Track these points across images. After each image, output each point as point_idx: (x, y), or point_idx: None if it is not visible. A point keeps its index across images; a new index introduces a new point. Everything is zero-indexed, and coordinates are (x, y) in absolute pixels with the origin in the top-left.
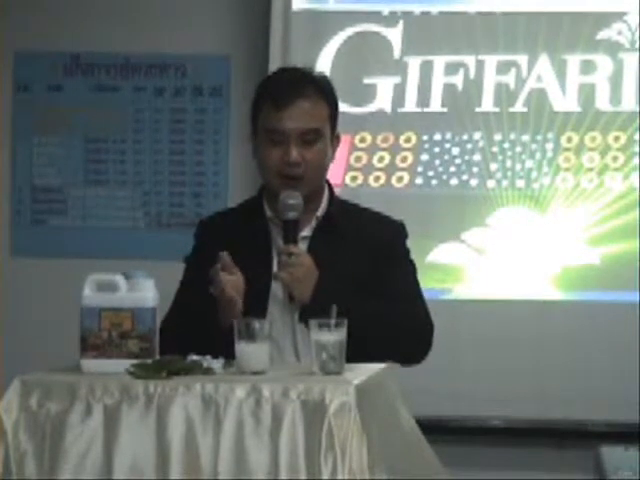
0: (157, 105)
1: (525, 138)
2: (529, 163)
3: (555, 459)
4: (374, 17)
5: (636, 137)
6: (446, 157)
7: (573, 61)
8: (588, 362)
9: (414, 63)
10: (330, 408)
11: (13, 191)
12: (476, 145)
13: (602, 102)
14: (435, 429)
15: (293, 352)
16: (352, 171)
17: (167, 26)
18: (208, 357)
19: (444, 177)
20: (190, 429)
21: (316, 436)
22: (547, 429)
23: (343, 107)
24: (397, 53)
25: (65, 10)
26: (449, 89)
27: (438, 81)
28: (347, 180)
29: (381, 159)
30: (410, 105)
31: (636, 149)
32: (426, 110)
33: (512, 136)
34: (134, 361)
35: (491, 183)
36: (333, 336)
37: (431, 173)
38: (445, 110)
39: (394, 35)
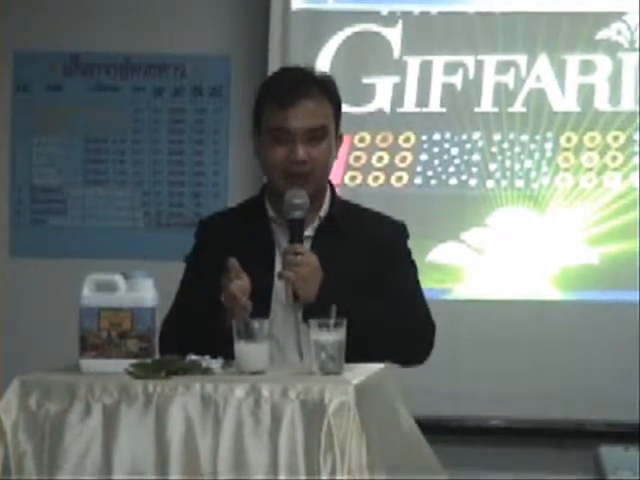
0: (156, 105)
1: (524, 138)
2: (528, 163)
3: (555, 459)
4: (373, 17)
5: (635, 137)
6: (445, 157)
7: (572, 61)
8: (587, 362)
9: (413, 63)
10: (329, 408)
11: (12, 191)
12: (475, 145)
13: (601, 102)
14: (435, 429)
15: (296, 351)
16: (351, 171)
17: (166, 26)
18: (207, 357)
19: (443, 177)
20: (189, 429)
21: (315, 436)
22: (547, 429)
23: (342, 107)
24: (396, 53)
25: (64, 10)
26: (448, 89)
27: (437, 81)
28: (346, 180)
29: (380, 159)
30: (409, 105)
31: (635, 149)
32: (425, 110)
33: (511, 136)
34: (133, 361)
35: (490, 183)
36: (332, 336)
37: (430, 173)
38: (444, 110)
39: (393, 35)
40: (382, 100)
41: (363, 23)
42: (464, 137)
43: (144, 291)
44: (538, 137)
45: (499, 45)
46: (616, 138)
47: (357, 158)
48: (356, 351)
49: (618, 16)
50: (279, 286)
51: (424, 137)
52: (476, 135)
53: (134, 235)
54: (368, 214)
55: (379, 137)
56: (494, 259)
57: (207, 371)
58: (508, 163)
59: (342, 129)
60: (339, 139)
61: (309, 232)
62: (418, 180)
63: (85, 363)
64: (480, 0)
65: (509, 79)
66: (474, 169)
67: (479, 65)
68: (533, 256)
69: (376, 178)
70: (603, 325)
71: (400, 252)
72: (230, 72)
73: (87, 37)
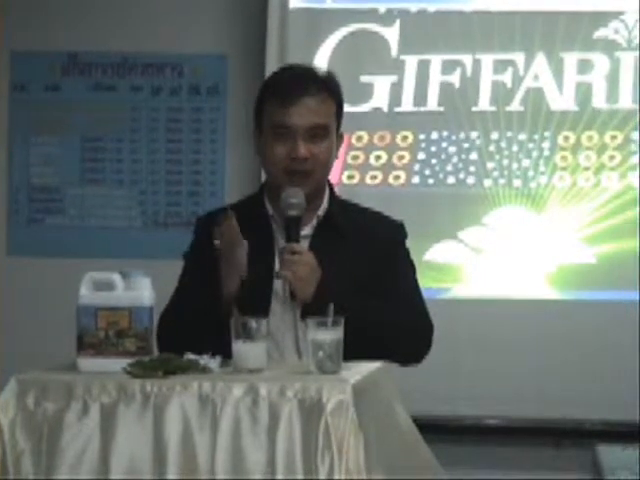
0: (154, 104)
1: (522, 137)
2: (526, 162)
3: (553, 458)
4: (371, 15)
5: (632, 136)
6: (443, 156)
7: (570, 60)
8: (585, 361)
9: (411, 62)
10: (327, 407)
11: (10, 190)
12: (473, 144)
13: (599, 101)
14: (432, 428)
15: (294, 350)
16: (349, 170)
17: (164, 25)
18: (205, 356)
19: (441, 176)
20: (187, 428)
21: (313, 435)
22: (545, 428)
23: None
24: (394, 52)
25: (62, 10)
26: (446, 88)
27: (435, 80)
28: (344, 179)
29: (378, 158)
30: (407, 104)
31: (633, 148)
32: (423, 109)
33: (509, 135)
34: (131, 360)
35: (488, 182)
36: (330, 335)
37: (428, 172)
38: (442, 109)
39: (391, 34)
40: (380, 99)
41: (360, 22)
42: (462, 136)
43: (142, 290)
44: (536, 136)
45: (497, 44)
46: (614, 137)
47: (355, 157)
48: (354, 350)
49: (616, 15)
50: (277, 284)
51: (422, 136)
52: (474, 134)
53: (131, 234)
54: (367, 213)
55: (377, 136)
56: (492, 258)
57: (205, 370)
58: (506, 162)
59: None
60: (340, 138)
61: (307, 231)
62: (416, 179)
63: (82, 362)
64: None
65: (507, 78)
66: (472, 168)
67: (477, 64)
68: (531, 255)
69: (374, 177)
70: (600, 324)
71: (398, 252)
72: (227, 71)
73: (85, 37)
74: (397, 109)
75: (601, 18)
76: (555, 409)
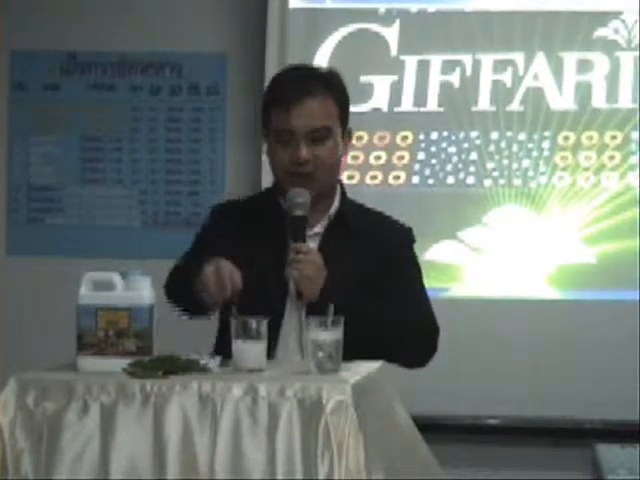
0: (153, 104)
1: (522, 137)
2: (526, 162)
3: (552, 457)
4: (370, 15)
5: (632, 136)
6: (443, 156)
7: (570, 59)
8: (584, 361)
9: (411, 62)
10: (327, 407)
11: (9, 190)
12: (473, 144)
13: (599, 101)
14: (432, 428)
15: (298, 349)
16: (349, 170)
17: (163, 25)
18: (205, 355)
19: (441, 176)
20: (187, 428)
21: (313, 435)
22: (544, 428)
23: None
24: (394, 52)
25: (62, 9)
26: (446, 88)
27: (435, 80)
28: (344, 179)
29: (378, 158)
30: (407, 104)
31: (632, 148)
32: (422, 109)
33: (509, 135)
34: (131, 360)
35: (488, 182)
36: (330, 335)
37: (428, 172)
38: (442, 109)
39: (390, 34)
40: (379, 99)
41: (360, 22)
42: (461, 136)
43: (141, 290)
44: (536, 136)
45: (496, 44)
46: (613, 137)
47: (355, 157)
48: (359, 351)
49: (616, 15)
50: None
51: (421, 136)
52: (473, 134)
53: (131, 234)
54: (376, 216)
55: (376, 136)
56: (492, 258)
57: (205, 370)
58: (506, 162)
59: None
60: (348, 136)
61: (319, 229)
62: (415, 179)
63: (82, 362)
64: None
65: (506, 78)
66: (471, 168)
67: (476, 64)
68: (530, 255)
69: (374, 177)
70: (600, 324)
71: (406, 255)
72: (227, 71)
73: (84, 36)
74: (397, 109)
75: (601, 18)
76: (555, 409)
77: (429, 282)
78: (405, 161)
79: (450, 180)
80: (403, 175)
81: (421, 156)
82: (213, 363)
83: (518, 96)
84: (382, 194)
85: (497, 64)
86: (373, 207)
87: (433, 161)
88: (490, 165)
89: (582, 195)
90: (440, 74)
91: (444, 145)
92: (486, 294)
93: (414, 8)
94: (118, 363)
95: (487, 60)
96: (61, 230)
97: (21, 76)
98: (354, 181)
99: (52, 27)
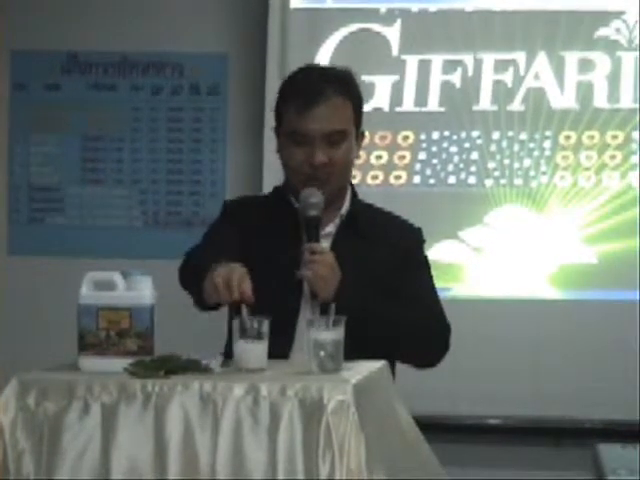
0: (154, 104)
1: (523, 136)
2: (527, 161)
3: (553, 457)
4: (372, 15)
5: (633, 135)
6: (444, 155)
7: (571, 59)
8: (585, 361)
9: (412, 61)
10: (328, 407)
11: (10, 189)
12: (474, 143)
13: (600, 100)
14: (433, 428)
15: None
16: None
17: (164, 25)
18: (206, 355)
19: (442, 175)
20: (188, 428)
21: (314, 435)
22: (545, 428)
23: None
24: (395, 51)
25: (63, 9)
26: (447, 87)
27: (436, 79)
28: None
29: (379, 158)
30: (408, 103)
31: (633, 148)
32: (424, 109)
33: (510, 134)
34: (132, 360)
35: (489, 181)
36: (331, 334)
37: (429, 172)
38: (443, 109)
39: (392, 33)
40: (381, 99)
41: (361, 22)
42: (463, 135)
43: (142, 289)
44: (537, 135)
45: (498, 43)
46: (615, 137)
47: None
48: (371, 350)
49: (617, 15)
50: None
51: (423, 136)
52: (475, 133)
53: (132, 234)
54: (386, 216)
55: (378, 136)
56: (493, 258)
57: (206, 370)
58: (507, 161)
59: None
60: (361, 136)
61: (330, 229)
62: (417, 179)
63: (83, 362)
64: None
65: (508, 77)
66: (473, 168)
67: (478, 63)
68: (531, 255)
69: (375, 177)
70: (601, 324)
71: (416, 255)
72: (228, 71)
73: (85, 36)
74: (398, 109)
75: (602, 18)
76: (555, 408)
77: None
78: (406, 161)
79: (451, 180)
80: (404, 175)
81: (422, 156)
82: (214, 363)
83: (519, 96)
84: (383, 194)
85: (498, 64)
86: (382, 207)
87: (434, 161)
88: (491, 165)
89: (583, 195)
90: (441, 74)
91: (445, 145)
92: (487, 294)
93: (415, 8)
94: (119, 363)
95: (488, 60)
96: (62, 230)
97: (22, 76)
98: (355, 181)
99: (53, 27)
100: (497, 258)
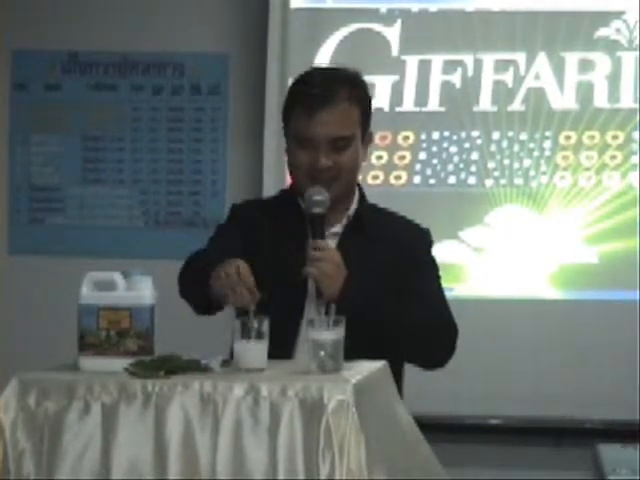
0: (155, 104)
1: (523, 136)
2: (527, 161)
3: (554, 457)
4: (372, 15)
5: (634, 136)
6: (444, 156)
7: (571, 59)
8: (586, 361)
9: (412, 61)
10: (328, 407)
11: (11, 189)
12: (474, 143)
13: (600, 100)
14: (433, 428)
15: None
16: None
17: (165, 24)
18: (206, 355)
19: (442, 176)
20: (188, 428)
21: (314, 435)
22: (545, 428)
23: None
24: (395, 51)
25: (63, 9)
26: (447, 87)
27: (436, 79)
28: None
29: (379, 158)
30: (408, 104)
31: (634, 147)
32: (424, 109)
33: (510, 135)
34: (132, 360)
35: (489, 182)
36: (331, 334)
37: (429, 172)
38: (443, 109)
39: (392, 33)
40: (381, 99)
41: (362, 22)
42: (463, 136)
43: (143, 290)
44: (537, 135)
45: (498, 44)
46: (615, 137)
47: None
48: (377, 350)
49: (617, 15)
50: (311, 284)
51: (423, 136)
52: (475, 134)
53: (132, 234)
54: (394, 217)
55: (378, 136)
56: (493, 258)
57: (206, 370)
58: (507, 162)
59: None
60: (369, 137)
61: (338, 229)
62: (417, 179)
63: (84, 362)
64: None
65: (508, 77)
66: (473, 168)
67: (478, 63)
68: (532, 255)
69: (375, 177)
70: (601, 324)
71: (424, 256)
72: (229, 71)
73: (85, 36)
74: (398, 109)
75: (602, 18)
76: (556, 408)
77: None
78: (406, 161)
79: (451, 180)
80: (404, 175)
81: (422, 156)
82: (214, 363)
83: (519, 96)
84: (383, 194)
85: (498, 64)
86: (388, 208)
87: (434, 161)
88: (491, 165)
89: (583, 195)
90: (441, 74)
91: (445, 145)
92: (488, 294)
93: (415, 8)
94: (119, 363)
95: (488, 60)
96: (62, 230)
97: (22, 76)
98: None
99: (53, 27)
100: (497, 258)
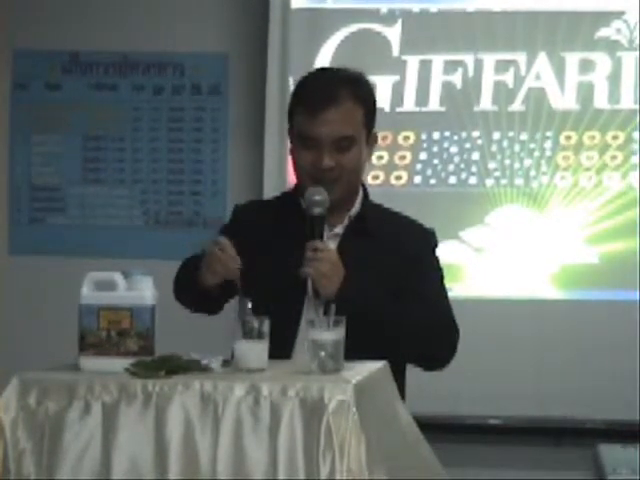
0: (155, 103)
1: (524, 137)
2: (528, 162)
3: (554, 457)
4: (372, 15)
5: (634, 136)
6: (445, 156)
7: (572, 59)
8: (586, 361)
9: (413, 62)
10: (329, 407)
11: (11, 189)
12: (475, 143)
13: (601, 101)
14: (434, 428)
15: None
16: None
17: (165, 24)
18: (207, 355)
19: (443, 176)
20: (188, 427)
21: (314, 435)
22: (546, 428)
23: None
24: (395, 52)
25: (64, 8)
26: (448, 88)
27: (437, 80)
28: None
29: (380, 158)
30: (409, 104)
31: (634, 148)
32: (424, 109)
33: (511, 134)
34: (133, 359)
35: (490, 182)
36: (331, 335)
37: (430, 172)
38: (444, 109)
39: (392, 33)
40: (381, 99)
41: (362, 22)
42: (463, 136)
43: (143, 290)
44: (537, 136)
45: (498, 44)
46: (615, 137)
47: None
48: (378, 351)
49: (617, 15)
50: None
51: (423, 136)
52: (475, 134)
53: (133, 233)
54: (398, 218)
55: (379, 136)
56: (494, 258)
57: (206, 369)
58: (507, 162)
59: None
60: (373, 138)
61: (339, 230)
62: (417, 179)
63: (84, 362)
64: None
65: (508, 78)
66: (473, 168)
67: (478, 64)
68: (532, 255)
69: (375, 177)
70: (602, 324)
71: (427, 257)
72: (229, 71)
73: (86, 36)
74: (399, 109)
75: (603, 18)
76: (556, 408)
77: None
78: (407, 161)
79: (452, 180)
80: (405, 175)
81: (423, 156)
82: (214, 363)
83: (520, 96)
84: (384, 194)
85: (499, 64)
86: (392, 208)
87: (435, 161)
88: (492, 165)
89: (584, 195)
90: (442, 74)
91: (446, 145)
92: (488, 294)
93: (416, 8)
94: (120, 363)
95: (489, 60)
96: (63, 230)
97: (23, 75)
98: None
99: (54, 26)
100: (498, 258)
